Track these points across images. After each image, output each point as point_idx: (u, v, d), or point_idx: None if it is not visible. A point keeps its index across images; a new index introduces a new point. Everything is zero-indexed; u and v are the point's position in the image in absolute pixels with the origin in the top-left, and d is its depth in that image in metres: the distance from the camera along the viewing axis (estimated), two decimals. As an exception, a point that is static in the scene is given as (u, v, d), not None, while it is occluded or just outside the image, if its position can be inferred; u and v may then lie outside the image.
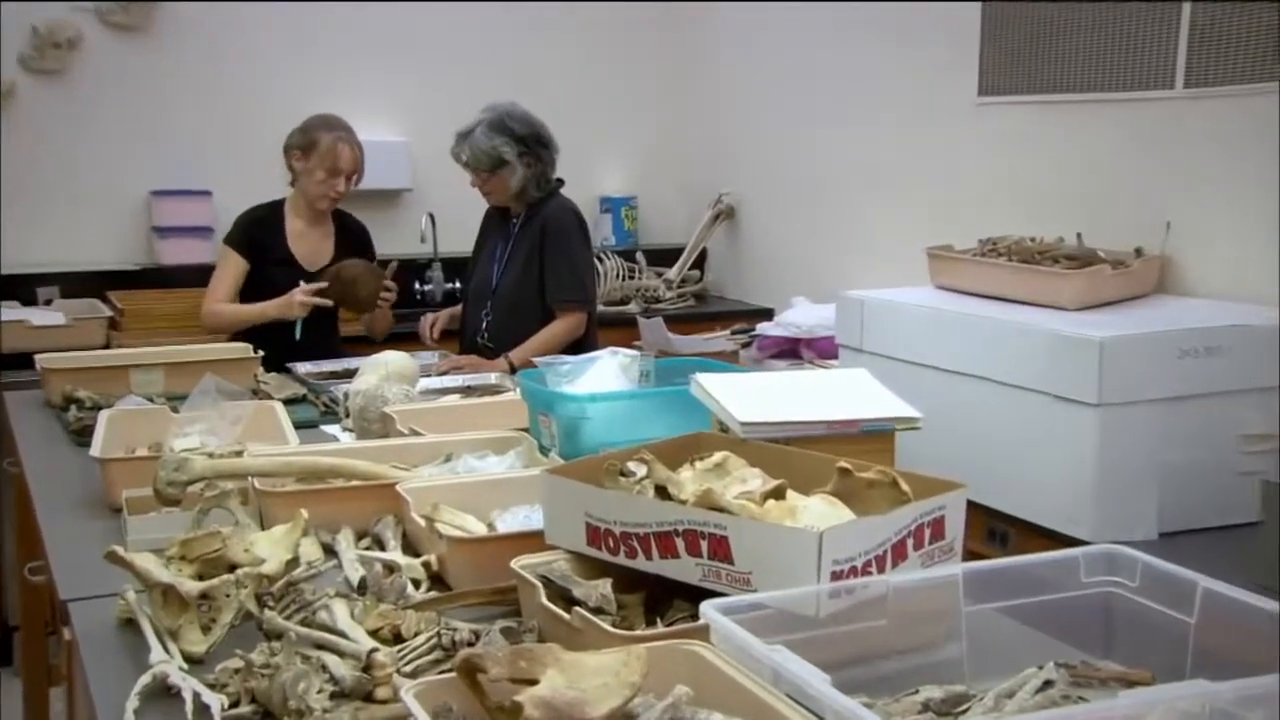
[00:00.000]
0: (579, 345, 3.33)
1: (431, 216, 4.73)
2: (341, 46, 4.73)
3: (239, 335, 3.51)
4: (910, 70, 3.98)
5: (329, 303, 3.51)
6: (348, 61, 4.74)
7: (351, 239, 3.74)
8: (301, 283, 3.52)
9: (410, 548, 1.87)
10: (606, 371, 2.37)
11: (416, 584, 1.72)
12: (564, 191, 3.60)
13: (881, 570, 1.41)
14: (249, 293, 3.58)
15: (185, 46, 4.53)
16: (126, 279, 4.35)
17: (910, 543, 1.46)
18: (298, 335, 3.50)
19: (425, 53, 4.88)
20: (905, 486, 1.53)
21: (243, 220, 3.66)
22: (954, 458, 2.44)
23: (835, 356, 3.37)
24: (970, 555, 1.56)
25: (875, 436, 1.86)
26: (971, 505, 1.59)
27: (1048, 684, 1.25)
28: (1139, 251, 2.98)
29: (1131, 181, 3.17)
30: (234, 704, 1.37)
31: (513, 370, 3.19)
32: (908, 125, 4.01)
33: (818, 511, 1.50)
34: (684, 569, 1.46)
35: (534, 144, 3.47)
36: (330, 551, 1.87)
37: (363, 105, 4.63)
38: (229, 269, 3.59)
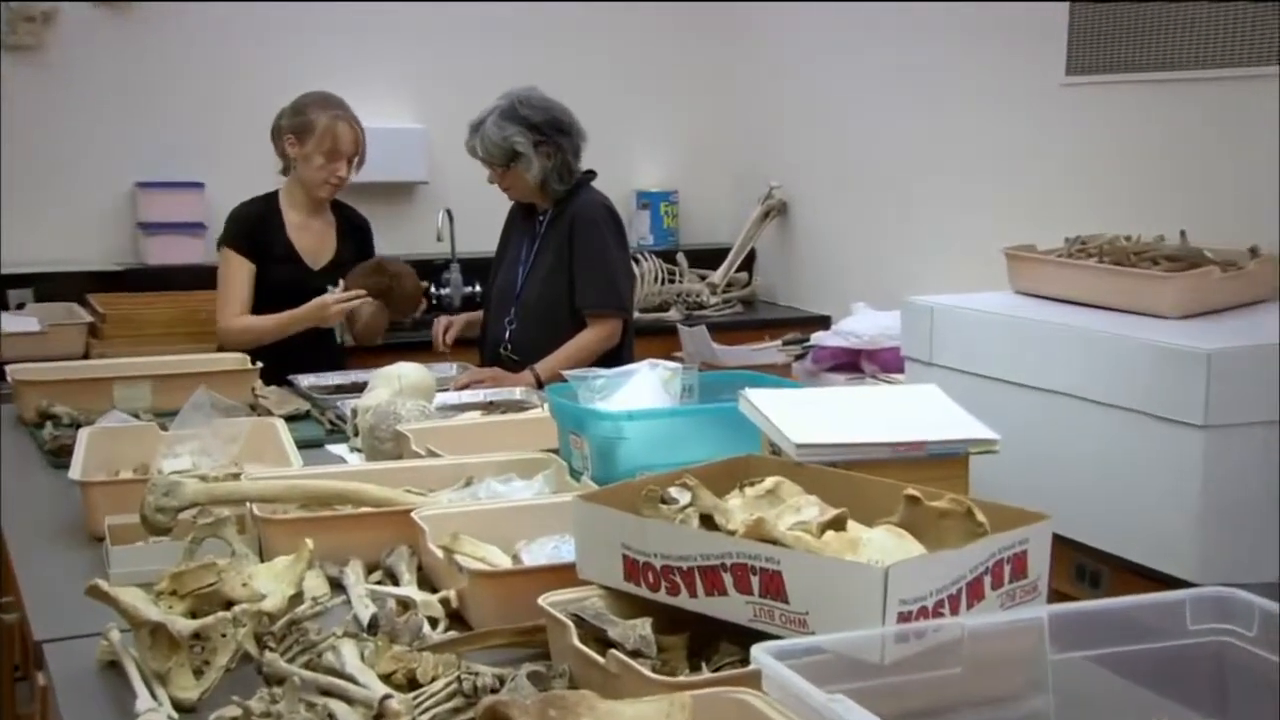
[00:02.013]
0: (613, 357, 3.34)
1: (449, 213, 4.76)
2: (351, 21, 4.76)
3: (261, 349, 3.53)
4: (987, 48, 3.97)
5: (369, 300, 3.53)
6: (358, 38, 4.77)
7: (353, 233, 3.78)
8: (332, 288, 3.53)
9: (426, 582, 1.89)
10: (645, 386, 2.38)
11: (434, 623, 1.73)
12: (596, 185, 3.62)
13: (955, 612, 1.41)
14: (252, 296, 3.62)
15: (176, 21, 4.57)
16: (109, 280, 4.39)
17: (988, 581, 1.46)
18: (339, 339, 3.58)
19: (445, 29, 4.90)
20: (981, 517, 1.53)
21: (238, 217, 3.69)
22: (1037, 485, 2.43)
23: (900, 370, 3.37)
24: (1057, 596, 1.55)
25: (947, 461, 1.86)
26: (1058, 539, 1.58)
27: (1146, 743, 1.25)
28: (1254, 251, 2.95)
29: (1243, 171, 3.15)
30: (231, 755, 1.39)
31: (539, 385, 3.21)
32: (983, 109, 4.00)
33: (882, 544, 1.50)
34: (732, 608, 1.46)
35: (551, 131, 3.49)
36: (338, 586, 1.89)
37: (374, 87, 4.67)
38: (237, 275, 3.61)
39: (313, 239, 3.69)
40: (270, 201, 3.70)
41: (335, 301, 3.51)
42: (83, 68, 4.48)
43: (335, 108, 3.62)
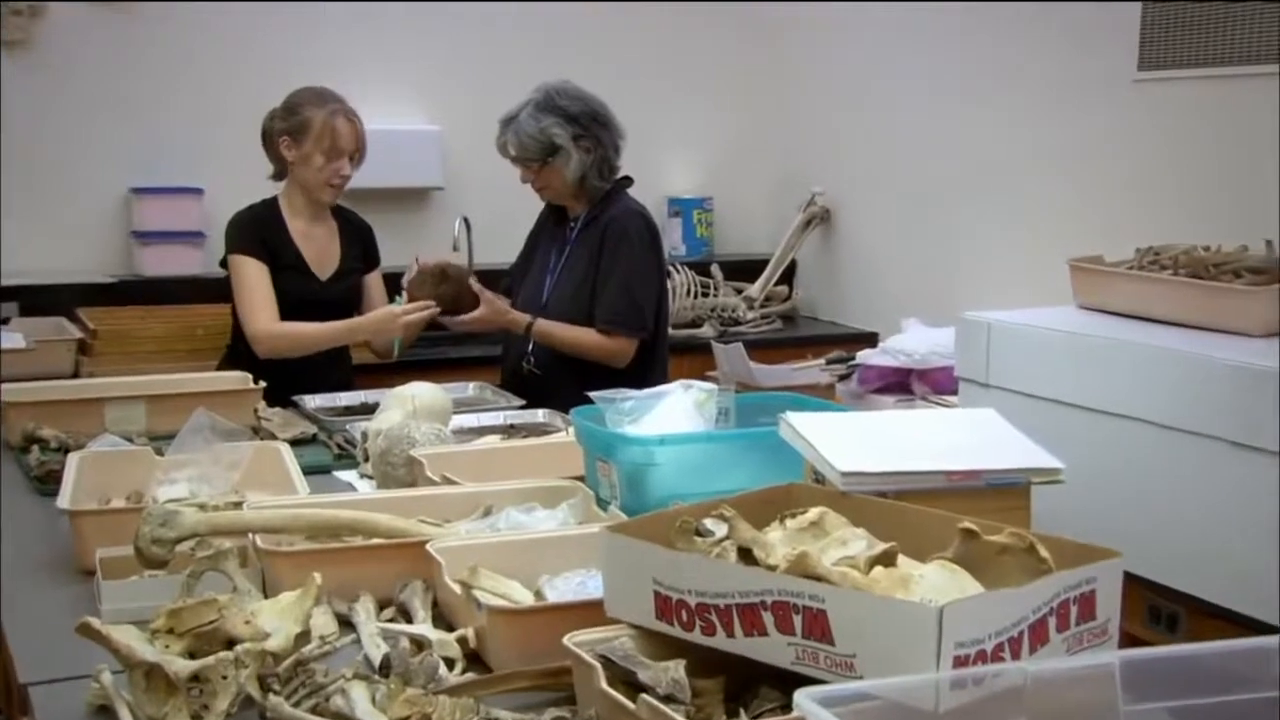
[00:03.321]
0: (643, 377, 3.31)
1: (466, 221, 4.78)
2: (361, 14, 4.79)
3: (241, 357, 3.55)
4: (1050, 41, 3.97)
5: (435, 311, 3.54)
6: (368, 32, 4.81)
7: (357, 239, 3.80)
8: (399, 299, 3.56)
9: (442, 620, 1.89)
10: (678, 409, 2.38)
11: (450, 664, 1.74)
12: (630, 192, 3.63)
13: (1016, 656, 1.40)
14: None
15: (174, 15, 4.61)
16: (101, 293, 4.42)
17: (1053, 623, 1.46)
18: (395, 354, 3.61)
19: (461, 23, 4.94)
20: (1045, 553, 1.53)
21: (244, 221, 3.69)
22: (1105, 519, 2.42)
23: (954, 392, 3.36)
24: (1129, 641, 1.55)
25: (1006, 491, 1.86)
26: (1129, 578, 1.58)
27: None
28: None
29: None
30: (232, 806, 1.39)
31: (526, 329, 3.45)
32: (1046, 108, 4.00)
33: (936, 582, 1.50)
34: (773, 649, 1.46)
35: (591, 124, 3.51)
36: (347, 624, 1.90)
37: (385, 85, 4.71)
38: (258, 280, 3.57)
39: (317, 247, 3.71)
40: (272, 207, 3.71)
41: (404, 313, 3.51)
42: (74, 64, 4.52)
43: (331, 102, 3.62)
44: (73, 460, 2.50)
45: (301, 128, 3.59)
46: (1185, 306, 2.88)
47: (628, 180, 3.62)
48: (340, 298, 3.67)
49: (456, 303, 3.51)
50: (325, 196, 3.66)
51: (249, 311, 3.57)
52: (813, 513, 1.68)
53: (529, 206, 3.75)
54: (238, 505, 2.11)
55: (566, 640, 1.58)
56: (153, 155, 4.59)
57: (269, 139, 3.66)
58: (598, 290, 3.49)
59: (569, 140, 3.48)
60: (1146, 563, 2.55)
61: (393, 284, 3.74)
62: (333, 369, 3.61)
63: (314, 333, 3.56)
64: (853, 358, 4.13)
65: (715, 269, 5.06)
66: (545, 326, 3.48)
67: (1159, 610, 2.65)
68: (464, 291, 3.49)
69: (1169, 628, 2.63)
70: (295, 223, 3.69)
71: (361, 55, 4.75)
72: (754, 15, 5.26)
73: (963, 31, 4.32)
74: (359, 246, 3.79)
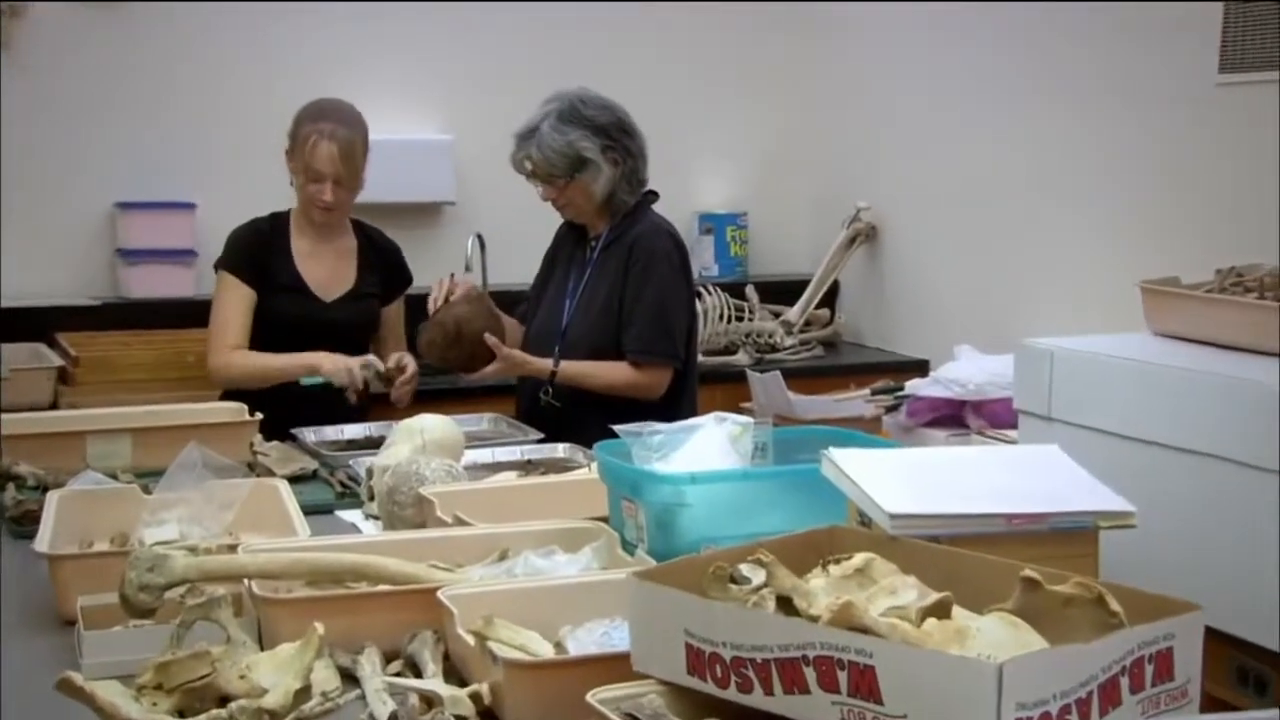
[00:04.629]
0: (671, 409, 3.32)
1: (480, 239, 4.80)
2: (367, 15, 4.82)
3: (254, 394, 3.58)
4: (1120, 41, 3.96)
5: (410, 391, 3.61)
6: (374, 34, 4.84)
7: (380, 260, 3.83)
8: (373, 361, 3.58)
9: (454, 674, 1.89)
10: (710, 444, 2.38)
11: (462, 723, 1.74)
12: (655, 207, 3.64)
13: (1085, 719, 1.40)
14: (252, 328, 3.66)
15: (166, 17, 4.64)
16: (82, 317, 4.44)
17: (1125, 683, 1.45)
18: (353, 400, 3.57)
19: (476, 25, 4.96)
20: (1116, 606, 1.52)
21: (239, 237, 3.74)
22: (1183, 567, 2.40)
23: (1013, 426, 3.35)
24: (1212, 704, 1.54)
25: (1072, 536, 1.85)
26: (1211, 634, 1.57)
27: None
28: None
29: None
30: None
31: (552, 379, 3.41)
32: (1116, 114, 3.99)
33: (995, 636, 1.50)
34: (816, 708, 1.46)
35: (619, 134, 3.53)
36: (350, 678, 1.90)
37: (393, 91, 4.74)
38: (235, 302, 3.65)
39: (324, 267, 3.74)
40: (278, 222, 3.76)
41: (358, 372, 3.53)
42: (57, 68, 4.55)
43: (324, 120, 3.63)
44: (52, 499, 2.51)
45: (293, 142, 3.66)
46: (1271, 333, 2.87)
47: (653, 195, 3.63)
48: (348, 321, 3.70)
49: (471, 361, 3.50)
50: (316, 218, 3.70)
51: (213, 335, 3.67)
52: (858, 559, 1.67)
53: (551, 222, 3.76)
54: (232, 548, 2.12)
55: (590, 697, 1.58)
56: (140, 167, 4.61)
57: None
58: (625, 317, 3.50)
59: (598, 153, 3.48)
60: (1231, 618, 2.53)
61: (409, 307, 3.78)
62: (336, 399, 3.63)
63: (265, 364, 3.60)
64: (901, 388, 4.12)
65: (750, 290, 5.06)
66: (571, 370, 3.48)
67: (1246, 670, 2.63)
68: (479, 349, 3.48)
69: (1258, 690, 2.60)
70: (300, 241, 3.73)
71: (367, 57, 4.77)
72: (792, 13, 5.28)
73: (1025, 31, 4.32)
74: (382, 269, 3.82)
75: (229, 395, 3.56)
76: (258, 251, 3.69)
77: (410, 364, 3.64)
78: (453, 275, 3.59)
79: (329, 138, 3.61)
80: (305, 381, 3.54)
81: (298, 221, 3.75)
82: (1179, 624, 1.51)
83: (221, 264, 3.72)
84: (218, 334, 3.65)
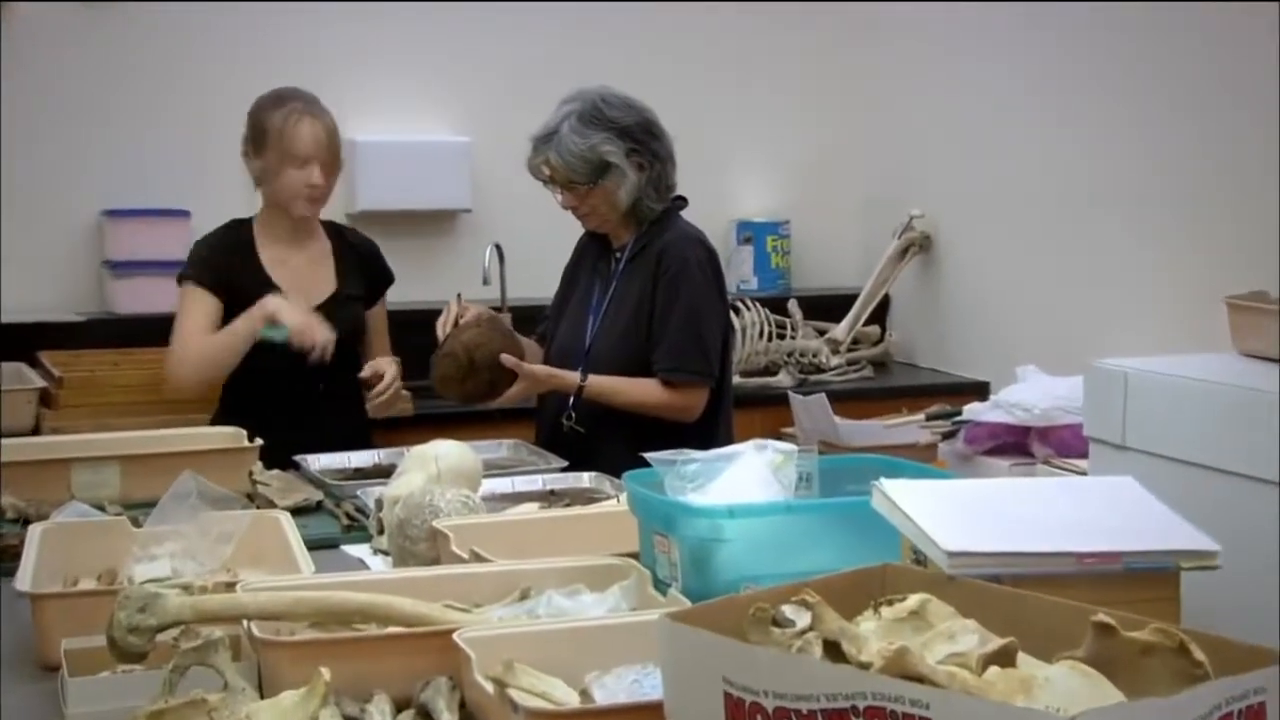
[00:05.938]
0: (706, 435, 3.32)
1: (499, 249, 4.81)
2: (374, 10, 4.83)
3: (232, 409, 3.58)
4: (1196, 38, 3.96)
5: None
6: (381, 29, 4.86)
7: (359, 263, 3.87)
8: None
9: (470, 725, 1.90)
10: (750, 474, 2.38)
11: (479, 779, 1.74)
12: (685, 214, 3.65)
13: (1165, 778, 1.39)
14: None
15: (160, 13, 4.67)
16: (67, 334, 4.46)
17: (1209, 738, 1.44)
18: (315, 358, 3.59)
19: (493, 19, 4.97)
20: (1200, 655, 1.51)
21: (203, 248, 3.80)
22: (1271, 612, 2.39)
23: (1083, 455, 3.34)
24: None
25: (1150, 577, 1.85)
26: (1304, 684, 1.56)
27: None
28: None
29: None
30: None
31: (579, 393, 3.44)
32: (1192, 115, 3.98)
33: (1065, 687, 1.49)
34: (868, 765, 1.46)
35: (646, 137, 3.54)
36: (357, 729, 1.90)
37: (404, 90, 4.76)
38: (198, 315, 3.68)
39: (298, 272, 3.77)
40: (241, 229, 3.80)
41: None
42: (41, 68, 4.58)
43: (292, 101, 3.68)
44: (34, 533, 2.51)
45: (259, 135, 3.68)
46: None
47: (682, 201, 3.64)
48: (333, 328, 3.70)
49: (493, 389, 3.51)
50: (299, 210, 3.71)
51: (168, 353, 3.71)
52: (913, 600, 1.67)
53: (569, 233, 3.77)
54: (230, 586, 2.13)
55: (619, 751, 1.58)
56: (130, 172, 4.63)
57: (243, 153, 3.75)
58: (655, 332, 3.51)
59: (622, 157, 3.49)
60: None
61: (415, 322, 3.78)
62: (342, 424, 3.64)
63: (217, 340, 3.64)
64: (959, 413, 4.12)
65: (793, 305, 5.06)
66: (599, 386, 3.49)
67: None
68: (498, 373, 3.48)
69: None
70: (270, 249, 3.76)
71: (375, 56, 4.80)
72: (839, 10, 5.28)
73: (1090, 28, 4.31)
74: (363, 272, 3.85)
75: (225, 419, 3.57)
76: (222, 259, 3.74)
77: (389, 371, 3.66)
78: (459, 296, 3.59)
79: (308, 114, 3.66)
80: (265, 333, 3.57)
81: (263, 228, 3.77)
82: (1270, 676, 1.50)
83: (185, 276, 3.75)
84: (178, 347, 3.68)
